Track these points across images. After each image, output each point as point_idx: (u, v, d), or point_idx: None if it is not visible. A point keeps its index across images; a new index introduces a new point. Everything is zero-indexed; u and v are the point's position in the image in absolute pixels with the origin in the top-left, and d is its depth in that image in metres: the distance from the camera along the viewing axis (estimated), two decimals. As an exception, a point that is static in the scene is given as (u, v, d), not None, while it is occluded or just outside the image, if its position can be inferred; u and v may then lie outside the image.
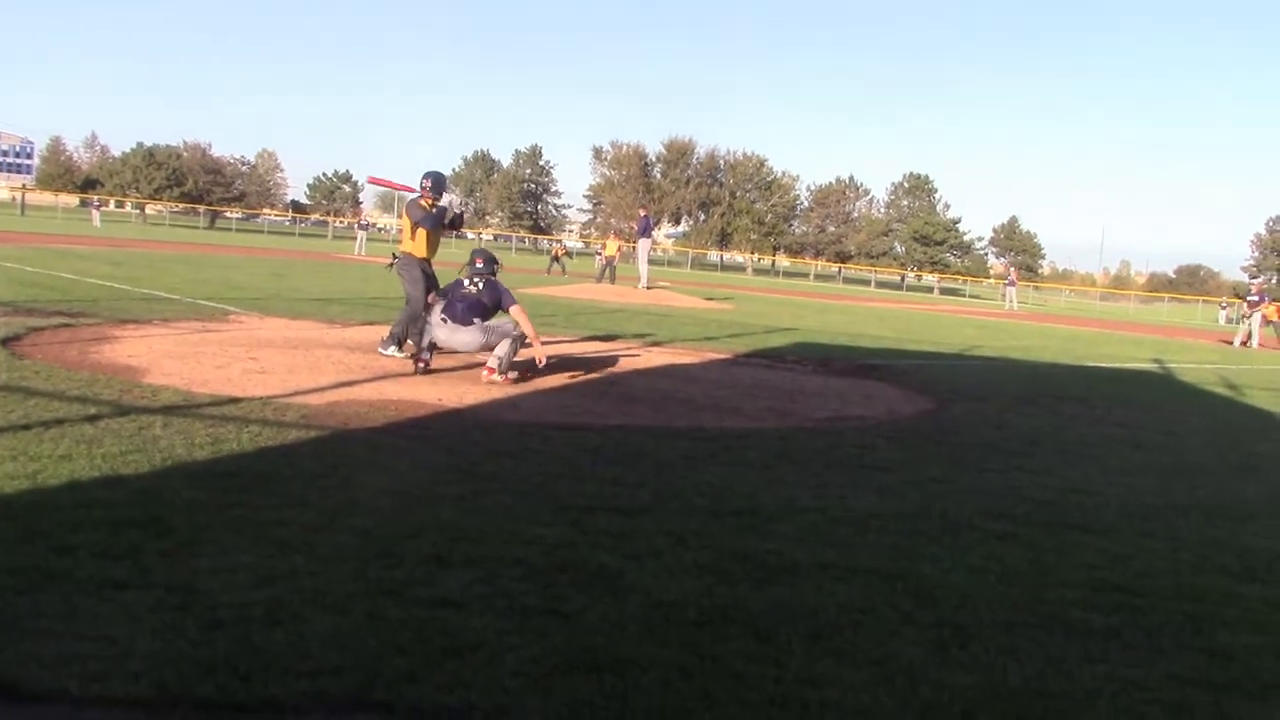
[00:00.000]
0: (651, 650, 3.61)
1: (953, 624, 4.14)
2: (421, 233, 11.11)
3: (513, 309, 9.82)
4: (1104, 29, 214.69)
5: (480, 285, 9.92)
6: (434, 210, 11.19)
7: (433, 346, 9.84)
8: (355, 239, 55.42)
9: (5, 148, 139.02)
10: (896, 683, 3.52)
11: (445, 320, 9.73)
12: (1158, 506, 6.86)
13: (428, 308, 10.27)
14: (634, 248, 34.38)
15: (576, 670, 3.39)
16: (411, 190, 11.33)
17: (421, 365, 9.76)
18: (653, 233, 32.30)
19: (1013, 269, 79.54)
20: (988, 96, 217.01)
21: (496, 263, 10.25)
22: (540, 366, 9.79)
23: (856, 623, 4.08)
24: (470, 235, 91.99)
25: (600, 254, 41.85)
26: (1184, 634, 4.29)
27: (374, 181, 11.72)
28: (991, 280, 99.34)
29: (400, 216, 11.93)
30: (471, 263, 10.08)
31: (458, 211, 11.72)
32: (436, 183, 11.30)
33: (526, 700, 3.17)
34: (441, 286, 10.46)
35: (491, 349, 9.65)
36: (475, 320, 9.69)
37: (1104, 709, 3.48)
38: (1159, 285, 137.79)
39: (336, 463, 6.05)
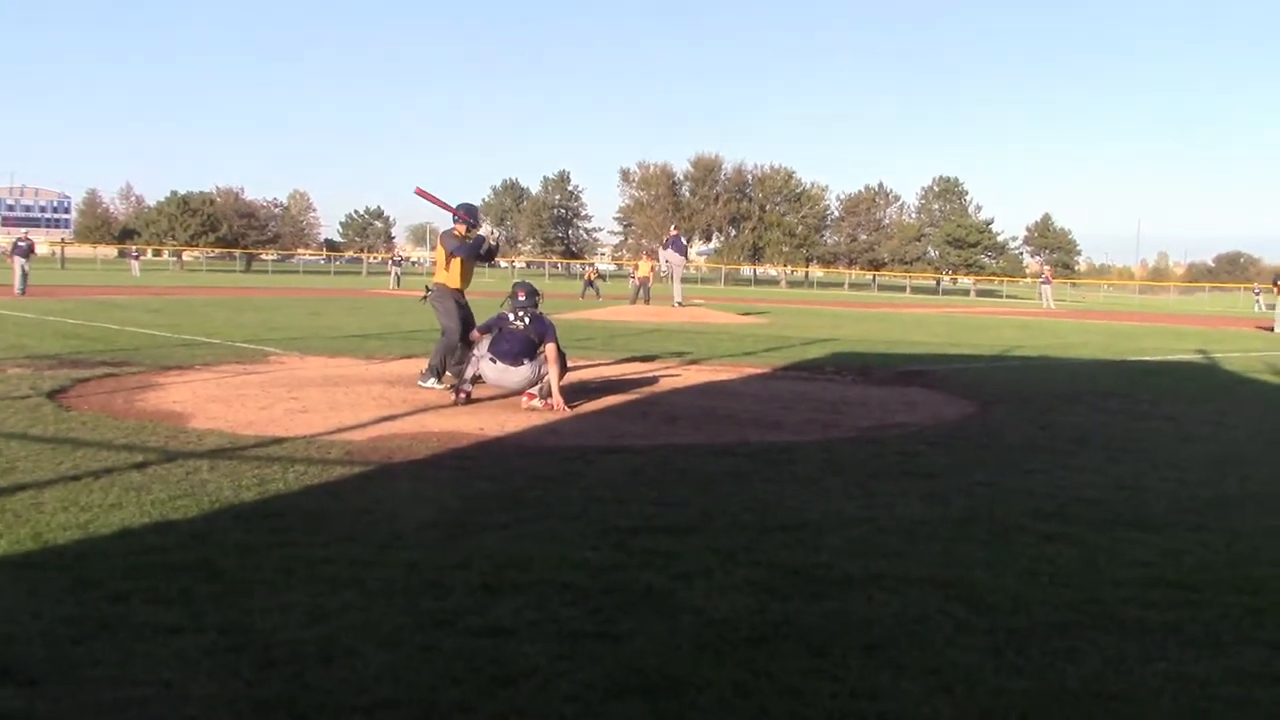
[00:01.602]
0: (705, 669, 3.60)
1: (1007, 629, 4.09)
2: (456, 263, 11.19)
3: (549, 347, 9.71)
4: (1125, 17, 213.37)
5: (527, 320, 9.81)
6: (469, 240, 11.28)
7: (476, 379, 9.85)
8: (389, 274, 55.80)
9: (44, 203, 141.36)
10: (955, 691, 3.49)
11: (494, 360, 9.67)
12: (1210, 499, 6.76)
13: (470, 342, 10.29)
14: (665, 265, 34.24)
15: (630, 693, 3.38)
16: (452, 209, 11.40)
17: (463, 397, 9.77)
18: (686, 251, 32.10)
19: (1046, 267, 78.94)
20: (1011, 94, 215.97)
21: (538, 294, 10.21)
22: (558, 411, 9.51)
23: (911, 632, 4.04)
24: (504, 264, 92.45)
25: (634, 276, 41.93)
26: (1244, 627, 4.22)
27: (420, 193, 11.75)
28: (1028, 279, 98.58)
29: (434, 248, 11.99)
30: (514, 295, 10.00)
31: (492, 243, 11.79)
32: (470, 213, 11.39)
33: (582, 726, 3.17)
34: (481, 320, 10.47)
35: (538, 384, 9.66)
36: (525, 361, 9.66)
37: (1166, 708, 3.42)
38: (1198, 275, 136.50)
39: (382, 497, 6.09)
